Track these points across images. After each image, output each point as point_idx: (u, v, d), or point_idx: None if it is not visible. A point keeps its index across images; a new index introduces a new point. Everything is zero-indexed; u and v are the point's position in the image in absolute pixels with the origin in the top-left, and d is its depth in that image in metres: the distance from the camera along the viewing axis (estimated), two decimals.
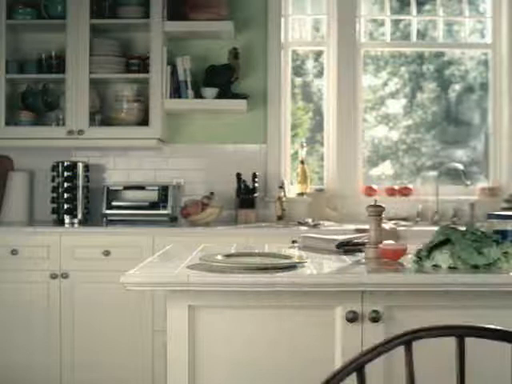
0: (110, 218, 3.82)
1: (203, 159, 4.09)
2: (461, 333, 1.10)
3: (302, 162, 4.12)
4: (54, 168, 3.84)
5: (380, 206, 2.07)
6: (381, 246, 2.02)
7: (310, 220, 3.80)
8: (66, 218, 3.80)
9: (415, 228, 3.74)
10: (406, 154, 4.34)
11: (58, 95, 3.95)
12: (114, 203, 3.85)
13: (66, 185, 3.81)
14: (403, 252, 2.00)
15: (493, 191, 4.12)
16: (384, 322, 1.80)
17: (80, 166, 3.85)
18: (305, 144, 4.16)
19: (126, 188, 3.89)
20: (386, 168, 4.36)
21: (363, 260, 2.06)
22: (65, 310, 3.48)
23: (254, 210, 3.90)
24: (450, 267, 1.82)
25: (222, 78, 3.92)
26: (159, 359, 3.42)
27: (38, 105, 3.94)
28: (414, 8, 4.28)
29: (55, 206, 3.82)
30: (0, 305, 3.48)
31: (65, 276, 3.46)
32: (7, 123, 3.81)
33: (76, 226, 3.74)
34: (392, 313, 1.81)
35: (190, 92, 3.88)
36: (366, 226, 2.13)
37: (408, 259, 1.97)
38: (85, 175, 3.88)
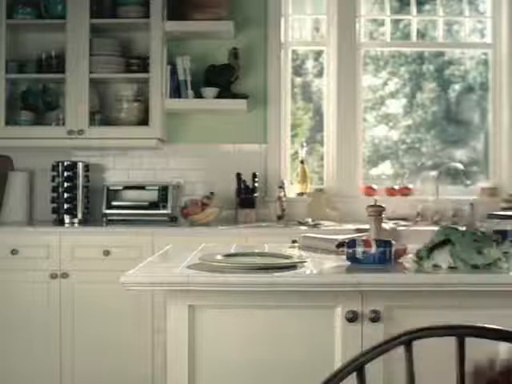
0: (109, 217, 3.82)
1: (203, 159, 4.09)
2: (461, 333, 1.09)
3: (302, 162, 4.12)
4: (54, 168, 3.84)
5: (380, 206, 2.08)
6: None
7: (309, 220, 3.80)
8: (66, 218, 3.80)
9: (415, 228, 3.73)
10: (406, 154, 4.34)
11: (58, 95, 3.95)
12: (114, 203, 3.85)
13: (66, 185, 3.81)
14: (403, 252, 2.00)
15: (493, 191, 4.12)
16: (384, 322, 1.80)
17: (80, 165, 3.85)
18: (305, 144, 4.16)
19: (126, 188, 3.89)
20: (386, 168, 4.36)
21: None
22: (65, 309, 3.48)
23: (254, 210, 3.90)
24: (450, 267, 1.82)
25: (221, 78, 3.92)
26: (159, 359, 3.42)
27: (38, 105, 3.95)
28: (414, 8, 4.28)
29: (55, 205, 3.82)
30: (0, 305, 3.48)
31: (65, 276, 3.46)
32: (7, 123, 3.81)
33: (76, 225, 3.74)
34: (392, 313, 1.81)
35: (190, 92, 3.88)
36: (366, 226, 2.13)
37: (408, 259, 1.97)
38: (85, 175, 3.88)
